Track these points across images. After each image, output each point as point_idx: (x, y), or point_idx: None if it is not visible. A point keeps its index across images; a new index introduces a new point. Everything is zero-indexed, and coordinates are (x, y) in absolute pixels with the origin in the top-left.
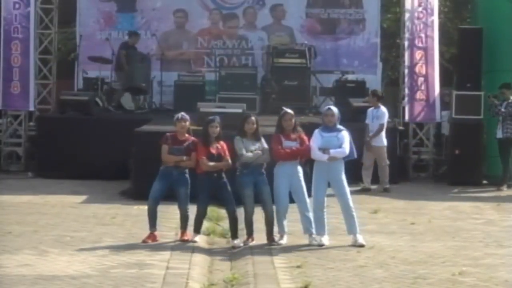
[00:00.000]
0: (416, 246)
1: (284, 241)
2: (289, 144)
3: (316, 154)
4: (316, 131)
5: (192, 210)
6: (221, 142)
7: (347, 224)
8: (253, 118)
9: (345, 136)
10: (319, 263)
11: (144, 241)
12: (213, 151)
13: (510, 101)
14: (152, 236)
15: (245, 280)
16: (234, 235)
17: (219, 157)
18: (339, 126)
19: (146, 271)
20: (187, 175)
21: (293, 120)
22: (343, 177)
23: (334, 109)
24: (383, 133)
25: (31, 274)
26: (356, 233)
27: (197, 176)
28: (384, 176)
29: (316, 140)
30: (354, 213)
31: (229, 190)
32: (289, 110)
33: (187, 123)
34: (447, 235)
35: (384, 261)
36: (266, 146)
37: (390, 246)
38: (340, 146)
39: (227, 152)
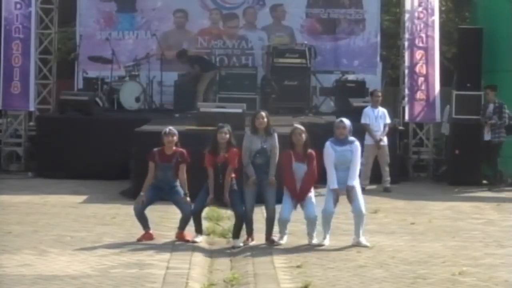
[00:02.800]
0: (416, 246)
1: (284, 241)
2: (297, 166)
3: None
4: (328, 144)
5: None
6: (232, 149)
7: (355, 226)
8: (262, 113)
9: (358, 149)
10: (319, 263)
11: (139, 240)
12: (219, 160)
13: (497, 104)
14: (147, 235)
15: (245, 280)
16: (236, 235)
17: (223, 166)
18: (351, 138)
19: (146, 271)
20: (178, 187)
21: (303, 135)
22: (357, 183)
23: (346, 122)
24: None
25: (31, 274)
26: (360, 235)
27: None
28: (386, 175)
29: (329, 157)
30: (365, 219)
31: (236, 193)
32: (299, 126)
33: (175, 137)
34: (447, 235)
35: (384, 261)
36: (276, 143)
37: (390, 246)
38: (353, 159)
39: (235, 160)
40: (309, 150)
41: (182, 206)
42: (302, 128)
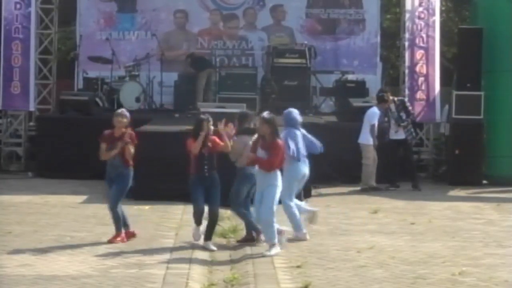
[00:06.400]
0: (416, 246)
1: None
2: (259, 153)
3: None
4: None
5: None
6: (212, 137)
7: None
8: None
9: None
10: (319, 263)
11: (110, 241)
12: (205, 151)
13: (398, 102)
14: (120, 236)
15: (245, 280)
16: (208, 237)
17: (210, 157)
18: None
19: (146, 271)
20: (126, 178)
21: (264, 126)
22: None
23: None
24: None
25: (31, 274)
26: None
27: (189, 176)
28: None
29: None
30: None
31: (218, 190)
32: (264, 116)
33: (125, 119)
34: (447, 235)
35: (384, 261)
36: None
37: (390, 246)
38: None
39: (218, 142)
40: (277, 140)
41: (110, 199)
42: (267, 117)
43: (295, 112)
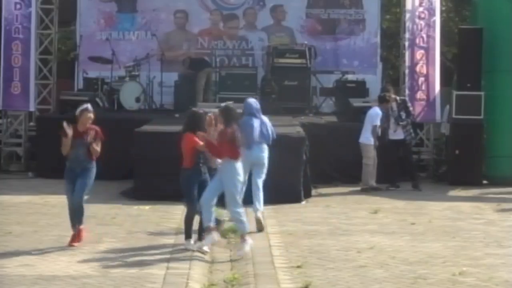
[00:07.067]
0: (416, 246)
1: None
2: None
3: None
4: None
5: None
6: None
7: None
8: (210, 115)
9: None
10: (319, 263)
11: (70, 244)
12: (201, 148)
13: (399, 101)
14: (76, 238)
15: (245, 280)
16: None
17: (204, 153)
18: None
19: (146, 271)
20: (90, 171)
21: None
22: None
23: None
24: None
25: (31, 274)
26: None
27: (182, 172)
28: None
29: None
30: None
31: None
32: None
33: (93, 115)
34: (447, 235)
35: (384, 261)
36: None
37: (390, 246)
38: None
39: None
40: (226, 128)
41: (75, 191)
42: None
43: (251, 100)
